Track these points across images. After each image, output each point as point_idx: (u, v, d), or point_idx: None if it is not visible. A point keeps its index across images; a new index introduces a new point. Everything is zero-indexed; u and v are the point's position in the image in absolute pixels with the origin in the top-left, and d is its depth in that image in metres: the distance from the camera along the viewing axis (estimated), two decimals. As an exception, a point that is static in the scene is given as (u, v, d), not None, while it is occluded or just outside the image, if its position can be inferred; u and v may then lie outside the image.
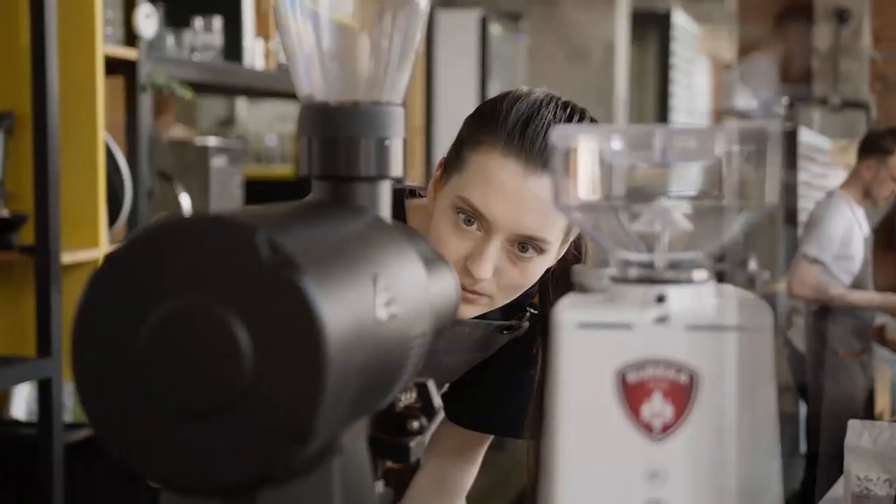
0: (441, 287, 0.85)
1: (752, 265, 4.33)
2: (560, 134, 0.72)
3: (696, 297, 0.70)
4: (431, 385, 0.84)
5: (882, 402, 4.55)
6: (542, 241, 1.22)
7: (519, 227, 1.21)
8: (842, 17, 9.50)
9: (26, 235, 2.45)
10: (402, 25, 0.83)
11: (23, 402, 2.79)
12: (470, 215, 1.23)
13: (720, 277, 0.72)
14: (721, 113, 9.71)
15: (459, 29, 4.92)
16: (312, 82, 0.83)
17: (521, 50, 5.39)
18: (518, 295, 1.28)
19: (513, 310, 1.37)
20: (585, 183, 0.73)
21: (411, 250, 0.80)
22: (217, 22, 3.12)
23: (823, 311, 4.32)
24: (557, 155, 0.72)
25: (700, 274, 0.71)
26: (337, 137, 0.81)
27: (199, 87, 3.26)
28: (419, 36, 0.84)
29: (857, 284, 4.32)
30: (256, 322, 0.60)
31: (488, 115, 1.25)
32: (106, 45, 2.60)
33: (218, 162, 3.11)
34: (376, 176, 0.82)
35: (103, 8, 2.61)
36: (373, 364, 0.67)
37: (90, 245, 2.56)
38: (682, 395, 0.67)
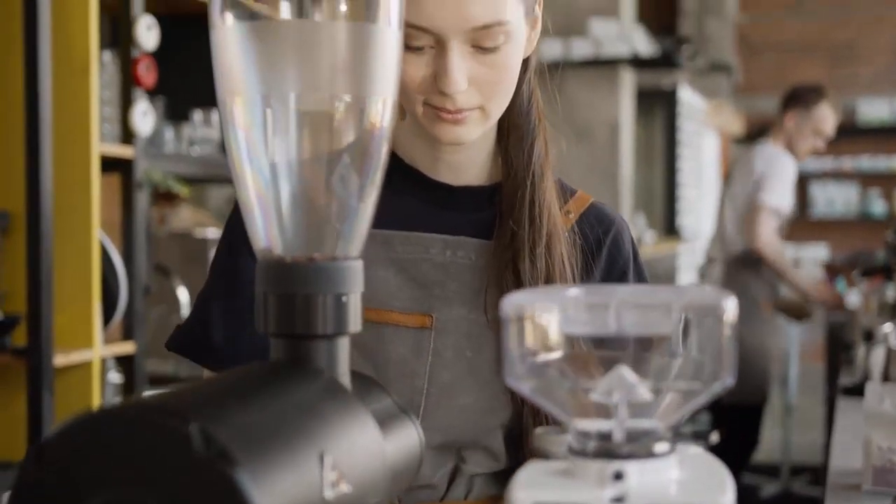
0: (401, 445, 0.83)
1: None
2: (512, 303, 0.70)
3: (657, 473, 0.68)
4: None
5: None
6: (499, 23, 1.10)
7: (466, 22, 1.09)
8: None
9: (19, 337, 2.44)
10: (358, 181, 0.82)
11: None
12: (414, 36, 1.10)
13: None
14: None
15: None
16: (269, 236, 0.82)
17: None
18: (510, 95, 1.16)
19: None
20: (538, 352, 0.70)
21: (366, 415, 0.77)
22: (216, 115, 3.13)
23: (745, 260, 4.30)
24: (509, 324, 0.70)
25: (661, 446, 0.69)
26: (293, 294, 0.79)
27: (199, 179, 3.26)
28: (376, 190, 0.83)
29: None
30: (186, 522, 0.58)
31: None
32: (103, 144, 2.61)
33: (217, 254, 3.10)
34: (334, 333, 0.80)
35: (100, 106, 2.62)
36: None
37: (84, 346, 2.54)
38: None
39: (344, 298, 0.80)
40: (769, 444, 6.47)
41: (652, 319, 0.69)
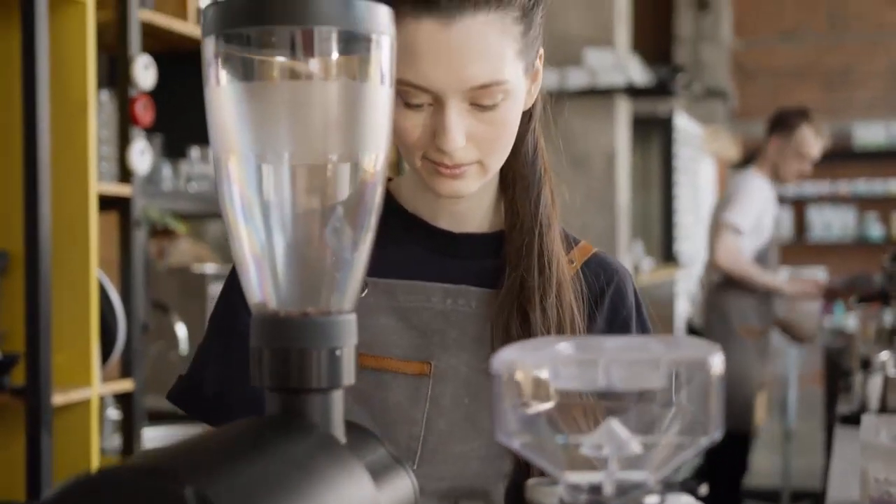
0: (395, 496, 0.84)
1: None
2: (502, 359, 0.71)
3: (648, 526, 0.69)
4: None
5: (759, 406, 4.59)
6: (498, 83, 1.10)
7: (464, 82, 1.09)
8: (702, 4, 9.64)
9: (18, 376, 2.44)
10: (351, 234, 0.83)
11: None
12: (413, 94, 1.11)
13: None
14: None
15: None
16: (264, 291, 0.83)
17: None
18: (509, 149, 1.16)
19: None
20: (529, 407, 0.71)
21: (360, 468, 0.78)
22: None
23: (725, 285, 4.33)
24: (499, 381, 0.71)
25: (651, 499, 0.70)
26: (288, 348, 0.80)
27: (197, 216, 3.28)
28: (369, 243, 0.84)
29: (760, 261, 4.36)
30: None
31: None
32: (101, 183, 2.62)
33: (216, 289, 3.11)
34: (328, 387, 0.81)
35: (98, 145, 2.64)
36: None
37: (83, 384, 2.54)
38: None
39: (338, 352, 0.81)
40: (769, 470, 6.46)
41: (641, 374, 0.70)
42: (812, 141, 4.38)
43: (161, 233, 3.48)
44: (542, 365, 0.71)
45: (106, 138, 2.70)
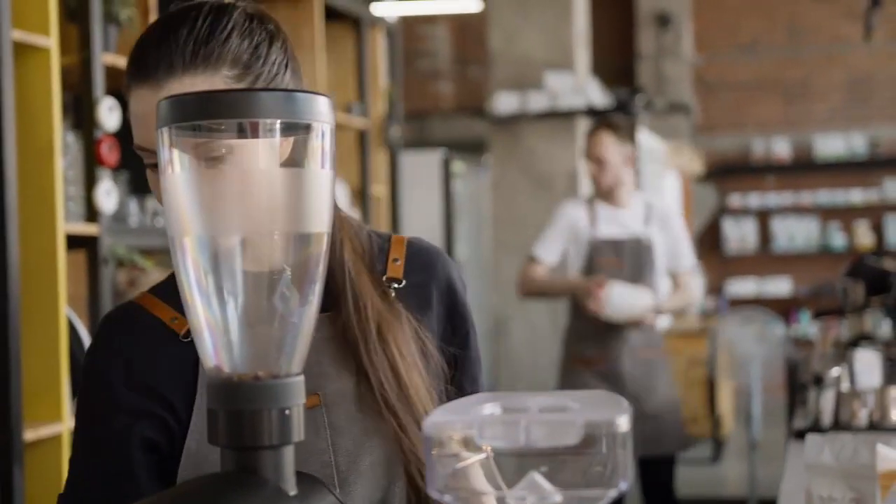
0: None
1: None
2: (432, 423, 0.78)
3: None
4: None
5: None
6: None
7: None
8: (663, 21, 9.78)
9: (-12, 414, 2.49)
10: (298, 301, 0.90)
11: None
12: (146, 156, 1.20)
13: None
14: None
15: (423, 168, 5.04)
16: (218, 357, 0.90)
17: (485, 182, 5.52)
18: None
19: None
20: (457, 464, 0.79)
21: (309, 520, 0.86)
22: (179, 186, 3.21)
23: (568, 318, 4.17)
24: (430, 442, 0.78)
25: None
26: (241, 410, 0.88)
27: (165, 250, 3.34)
28: (314, 310, 0.91)
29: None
30: None
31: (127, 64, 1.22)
32: (68, 223, 2.68)
33: (183, 320, 3.17)
34: (279, 444, 0.88)
35: (65, 185, 2.70)
36: None
37: (54, 420, 2.60)
38: None
39: (287, 412, 0.88)
40: (736, 479, 6.57)
41: (558, 433, 0.78)
42: (588, 141, 4.13)
43: (132, 264, 3.53)
44: (469, 426, 0.79)
45: (72, 178, 2.76)
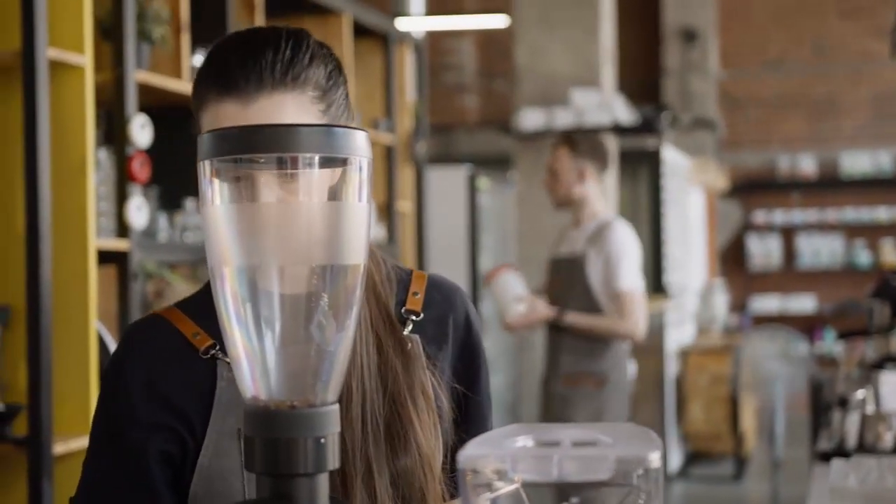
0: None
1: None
2: (466, 456, 0.80)
3: None
4: None
5: None
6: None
7: None
8: (689, 36, 9.74)
9: (20, 427, 2.52)
10: (334, 335, 0.92)
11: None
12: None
13: None
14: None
15: (449, 183, 5.06)
16: (255, 386, 0.92)
17: (511, 198, 5.52)
18: None
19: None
20: (490, 493, 0.81)
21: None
22: (208, 202, 3.24)
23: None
24: (464, 473, 0.80)
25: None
26: (277, 438, 0.89)
27: (194, 264, 3.37)
28: (349, 341, 0.93)
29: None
30: None
31: (197, 76, 1.23)
32: (99, 238, 2.72)
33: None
34: (314, 472, 0.90)
35: (97, 202, 2.73)
36: None
37: (83, 433, 2.63)
38: None
39: (322, 440, 0.90)
40: (759, 498, 6.54)
41: (590, 467, 0.79)
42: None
43: (157, 276, 3.57)
44: (503, 460, 0.80)
45: (104, 195, 2.79)
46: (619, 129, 5.64)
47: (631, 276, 3.91)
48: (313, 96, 1.21)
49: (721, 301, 9.15)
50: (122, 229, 2.83)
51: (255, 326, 0.91)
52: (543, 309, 3.92)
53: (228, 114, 1.18)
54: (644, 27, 10.14)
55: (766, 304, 10.46)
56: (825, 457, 3.03)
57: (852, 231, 10.36)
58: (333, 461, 0.91)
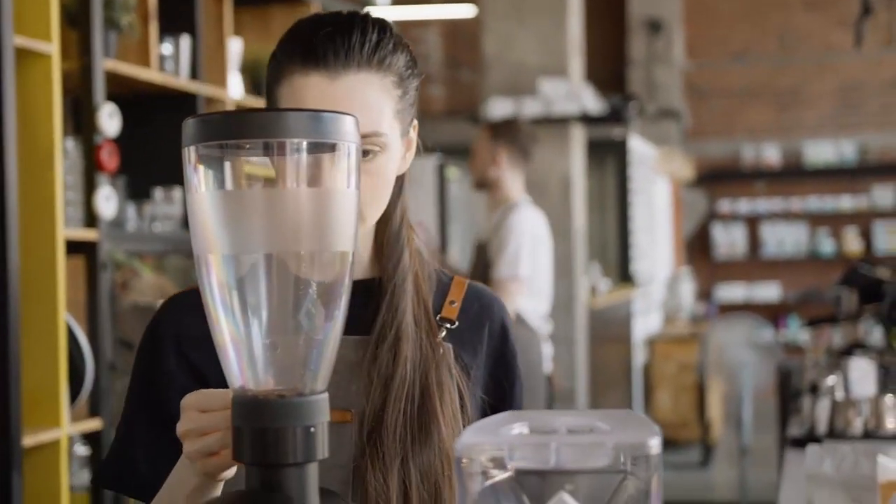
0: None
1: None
2: (463, 444, 0.79)
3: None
4: None
5: None
6: (374, 135, 1.18)
7: None
8: (655, 27, 9.80)
9: (-13, 420, 2.49)
10: (322, 324, 0.91)
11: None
12: None
13: None
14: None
15: (417, 173, 5.04)
16: (243, 376, 0.90)
17: (480, 188, 5.50)
18: (385, 203, 1.23)
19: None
20: (486, 482, 0.80)
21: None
22: (177, 193, 3.21)
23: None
24: (461, 461, 0.79)
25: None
26: (265, 428, 0.88)
27: (162, 254, 3.34)
28: (338, 329, 0.92)
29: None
30: None
31: (279, 48, 1.23)
32: (67, 228, 2.68)
33: (180, 325, 3.16)
34: (303, 461, 0.89)
35: (64, 191, 2.69)
36: None
37: (52, 425, 2.60)
38: None
39: (312, 429, 0.89)
40: (727, 484, 6.59)
41: (588, 454, 0.79)
42: None
43: (125, 266, 3.53)
44: (500, 448, 0.79)
45: (72, 184, 2.76)
46: (586, 119, 5.64)
47: (508, 265, 3.88)
48: (394, 81, 1.22)
49: (687, 290, 9.20)
50: (91, 219, 2.79)
51: (241, 315, 0.89)
52: None
53: (313, 86, 1.18)
54: (610, 18, 10.15)
55: (732, 292, 10.53)
56: (797, 443, 3.04)
57: (816, 220, 10.43)
58: (323, 451, 0.90)
